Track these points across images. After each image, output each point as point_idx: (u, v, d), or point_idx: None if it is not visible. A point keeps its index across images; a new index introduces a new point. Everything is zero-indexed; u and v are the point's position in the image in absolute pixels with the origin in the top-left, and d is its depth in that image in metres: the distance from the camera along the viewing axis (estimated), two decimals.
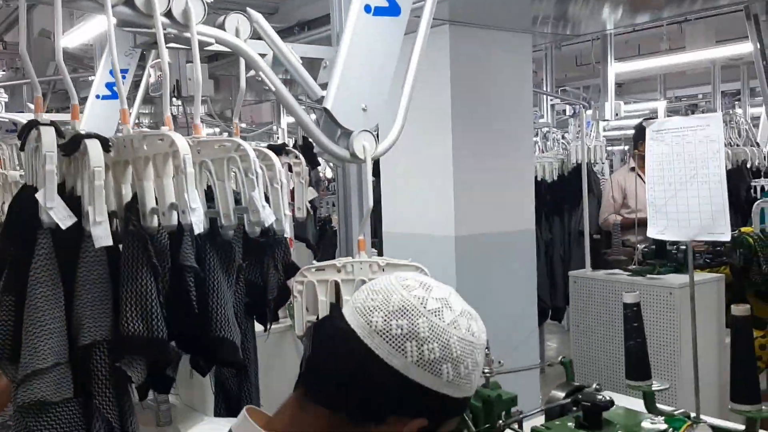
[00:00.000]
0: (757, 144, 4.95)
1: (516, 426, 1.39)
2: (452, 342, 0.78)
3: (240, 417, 0.87)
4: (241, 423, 0.85)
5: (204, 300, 1.37)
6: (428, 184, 3.23)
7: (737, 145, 4.82)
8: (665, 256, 3.37)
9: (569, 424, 1.33)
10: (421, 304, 0.80)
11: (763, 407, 1.43)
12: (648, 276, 3.31)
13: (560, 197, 4.46)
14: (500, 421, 1.36)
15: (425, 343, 0.77)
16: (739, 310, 1.45)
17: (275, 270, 1.61)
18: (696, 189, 1.48)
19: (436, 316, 0.79)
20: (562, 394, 1.46)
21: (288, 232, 1.44)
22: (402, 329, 0.78)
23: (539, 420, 1.39)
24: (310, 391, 0.82)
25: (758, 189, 4.54)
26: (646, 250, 3.50)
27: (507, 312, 3.19)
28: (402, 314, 0.79)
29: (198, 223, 1.22)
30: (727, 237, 1.55)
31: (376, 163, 1.61)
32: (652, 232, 1.67)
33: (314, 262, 1.59)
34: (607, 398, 1.31)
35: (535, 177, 4.06)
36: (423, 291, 0.81)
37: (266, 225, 1.31)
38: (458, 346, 0.79)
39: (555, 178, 4.44)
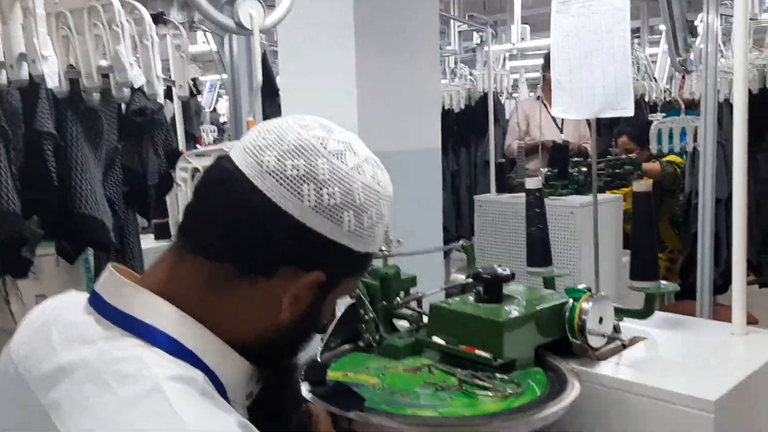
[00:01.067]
0: (655, 79, 5.09)
1: (415, 304, 1.34)
2: (355, 188, 0.72)
3: (104, 274, 0.77)
4: (106, 279, 0.76)
5: (66, 173, 1.21)
6: (330, 101, 3.09)
7: (636, 80, 4.94)
8: (567, 178, 3.43)
9: (470, 298, 1.28)
10: (321, 144, 0.72)
11: (662, 284, 1.44)
12: (550, 197, 3.35)
13: (467, 127, 4.45)
14: (398, 299, 1.31)
15: (324, 186, 0.70)
16: (641, 185, 1.44)
17: (156, 155, 1.47)
18: (600, 62, 1.45)
19: (337, 158, 0.72)
20: (462, 276, 1.41)
21: (174, 108, 1.30)
22: (298, 170, 0.70)
23: (436, 298, 1.35)
24: (189, 240, 0.74)
25: None
26: (548, 173, 3.55)
27: (412, 236, 3.14)
28: (298, 154, 0.71)
29: (51, 74, 1.06)
30: (630, 112, 1.53)
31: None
32: (557, 111, 1.64)
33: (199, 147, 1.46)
34: (509, 272, 1.25)
35: (443, 107, 4.01)
36: (323, 132, 0.74)
37: (135, 85, 1.16)
38: (362, 193, 0.73)
39: (462, 107, 4.41)
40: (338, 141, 0.74)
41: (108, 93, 1.29)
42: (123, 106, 1.45)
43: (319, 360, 1.20)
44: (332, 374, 1.16)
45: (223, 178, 0.72)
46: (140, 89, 1.39)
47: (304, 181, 0.70)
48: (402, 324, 1.34)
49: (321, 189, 0.70)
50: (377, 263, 1.32)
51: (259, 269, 0.72)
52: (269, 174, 0.70)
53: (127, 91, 1.21)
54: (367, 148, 0.78)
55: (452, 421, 0.99)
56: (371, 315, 1.28)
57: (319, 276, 0.73)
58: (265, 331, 0.74)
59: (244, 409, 0.78)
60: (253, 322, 0.74)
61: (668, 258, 3.74)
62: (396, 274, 1.30)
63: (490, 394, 1.07)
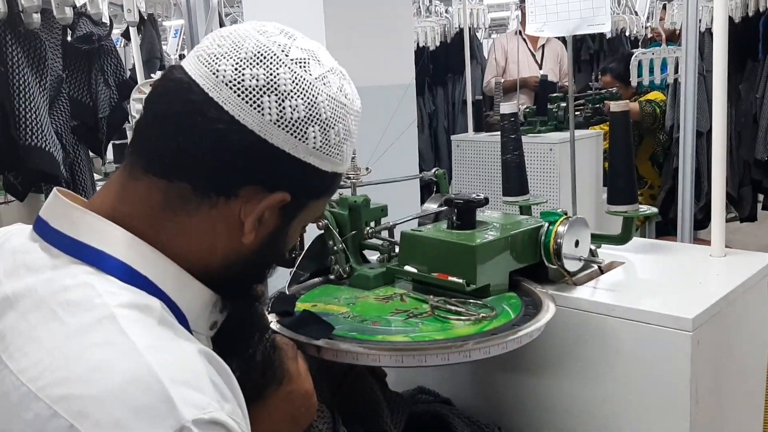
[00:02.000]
0: (636, 13, 5.03)
1: (386, 234, 1.31)
2: (320, 100, 0.68)
3: (49, 198, 0.72)
4: (51, 203, 0.71)
5: (8, 102, 1.14)
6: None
7: (616, 14, 4.88)
8: (546, 114, 3.39)
9: (442, 226, 1.25)
10: (283, 52, 0.68)
11: (640, 207, 1.42)
12: (529, 135, 3.32)
13: (443, 66, 4.37)
14: (368, 229, 1.27)
15: (287, 99, 0.66)
16: (617, 105, 1.40)
17: (105, 86, 1.39)
18: None
19: (301, 67, 0.68)
20: (435, 205, 1.38)
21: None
22: (257, 80, 0.66)
23: (408, 226, 1.31)
24: (141, 158, 0.69)
25: None
26: (527, 110, 3.50)
27: (387, 173, 3.09)
28: (258, 62, 0.67)
29: None
30: (607, 28, 1.49)
31: None
32: (531, 29, 1.59)
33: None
34: (482, 197, 1.22)
35: (417, 43, 3.93)
36: (285, 38, 0.70)
37: (77, 2, 1.08)
38: (327, 106, 0.69)
39: (437, 44, 4.32)
40: (301, 49, 0.69)
41: (49, 14, 1.20)
42: (69, 33, 1.37)
43: (287, 292, 1.18)
44: (301, 305, 1.14)
45: (176, 89, 0.68)
46: (85, 15, 1.32)
47: (264, 93, 0.66)
48: (373, 255, 1.32)
49: (283, 101, 0.66)
50: (346, 192, 1.28)
51: (219, 189, 0.68)
52: (226, 85, 0.66)
53: (69, 11, 1.14)
54: (332, 58, 0.73)
55: (424, 345, 0.97)
56: (340, 245, 1.25)
57: (283, 197, 0.70)
58: (228, 256, 0.72)
59: (207, 340, 0.75)
60: (214, 248, 0.71)
61: (649, 194, 3.75)
62: (365, 203, 1.26)
63: (462, 318, 1.05)
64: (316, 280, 1.27)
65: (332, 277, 1.26)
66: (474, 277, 1.12)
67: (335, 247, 1.24)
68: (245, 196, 0.68)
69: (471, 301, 1.11)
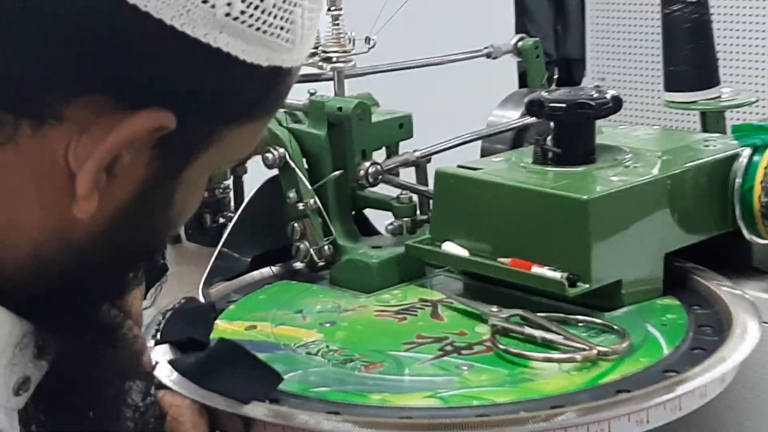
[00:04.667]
0: None
1: (408, 176, 1.22)
2: None
3: None
4: None
5: None
6: None
7: None
8: None
9: (524, 160, 1.12)
10: None
11: None
12: None
13: None
14: (368, 166, 1.12)
15: None
16: None
17: None
18: None
19: None
20: (515, 113, 1.23)
21: None
22: None
23: (456, 159, 1.17)
24: None
25: None
26: None
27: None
28: None
29: None
30: None
31: None
32: None
33: None
34: (611, 94, 1.09)
35: None
36: None
37: None
38: None
39: None
40: None
41: None
42: None
43: (200, 298, 1.09)
44: (227, 327, 1.06)
45: None
46: None
47: None
48: (381, 219, 1.23)
49: None
50: (324, 91, 1.18)
51: (22, 104, 0.63)
52: None
53: None
54: None
55: (470, 417, 0.85)
56: (312, 202, 1.13)
57: (159, 121, 0.63)
58: (45, 245, 0.68)
59: (9, 417, 0.71)
60: (16, 227, 0.67)
61: None
62: (362, 112, 1.13)
63: (555, 357, 0.93)
64: (265, 271, 1.18)
65: (297, 265, 1.18)
66: (586, 267, 1.00)
67: (300, 206, 1.13)
68: (77, 120, 0.63)
69: (580, 318, 1.00)
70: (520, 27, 3.93)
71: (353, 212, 1.21)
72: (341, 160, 1.15)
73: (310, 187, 1.13)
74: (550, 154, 1.10)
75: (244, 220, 1.15)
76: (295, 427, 0.86)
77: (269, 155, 1.12)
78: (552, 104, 1.09)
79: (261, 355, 0.97)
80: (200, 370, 0.94)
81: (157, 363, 0.96)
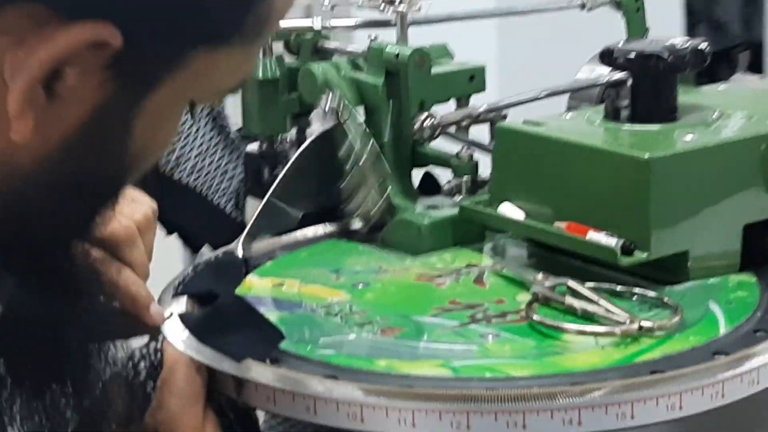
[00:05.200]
0: None
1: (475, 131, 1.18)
2: None
3: None
4: None
5: None
6: None
7: None
8: None
9: (597, 118, 1.09)
10: None
11: None
12: None
13: None
14: (428, 117, 1.10)
15: None
16: None
17: None
18: None
19: None
20: (602, 68, 1.17)
21: None
22: None
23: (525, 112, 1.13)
24: None
25: None
26: None
27: None
28: None
29: None
30: None
31: None
32: None
33: None
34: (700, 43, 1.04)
35: None
36: None
37: None
38: None
39: None
40: None
41: None
42: None
43: (238, 251, 1.08)
44: (255, 283, 1.05)
45: None
46: None
47: None
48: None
49: None
50: (384, 36, 1.15)
51: None
52: None
53: None
54: None
55: (479, 388, 0.80)
56: (367, 156, 1.09)
57: (100, 35, 0.60)
58: None
59: None
60: None
61: None
62: (423, 60, 1.10)
63: (588, 330, 0.88)
64: (318, 229, 1.16)
65: (355, 225, 1.15)
66: (644, 235, 0.95)
67: (355, 159, 1.10)
68: (11, 31, 0.61)
69: (634, 291, 0.95)
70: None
71: (415, 169, 1.17)
72: (399, 112, 1.12)
73: (366, 139, 1.10)
74: (623, 111, 1.06)
75: (296, 173, 1.12)
76: (285, 390, 0.83)
77: (325, 104, 1.10)
78: (623, 55, 1.03)
79: (277, 314, 0.97)
80: (203, 326, 0.94)
81: (171, 314, 0.95)
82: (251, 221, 1.10)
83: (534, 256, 1.05)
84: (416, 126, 1.09)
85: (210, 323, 0.93)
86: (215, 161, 1.29)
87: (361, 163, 1.10)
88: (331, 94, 1.10)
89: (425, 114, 1.10)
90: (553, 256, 1.02)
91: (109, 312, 0.88)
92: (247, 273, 1.05)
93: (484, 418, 0.77)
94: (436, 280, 1.01)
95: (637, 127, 1.03)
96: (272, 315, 0.94)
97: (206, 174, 1.29)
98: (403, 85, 1.11)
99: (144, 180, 1.07)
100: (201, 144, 1.28)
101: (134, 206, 0.94)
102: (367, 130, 1.10)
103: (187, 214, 1.29)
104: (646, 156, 0.93)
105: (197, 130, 1.28)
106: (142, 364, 0.86)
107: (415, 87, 1.10)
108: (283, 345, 0.87)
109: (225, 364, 0.85)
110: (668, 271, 0.96)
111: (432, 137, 1.11)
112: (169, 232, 1.30)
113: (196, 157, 1.27)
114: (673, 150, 0.96)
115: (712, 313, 0.90)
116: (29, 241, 0.70)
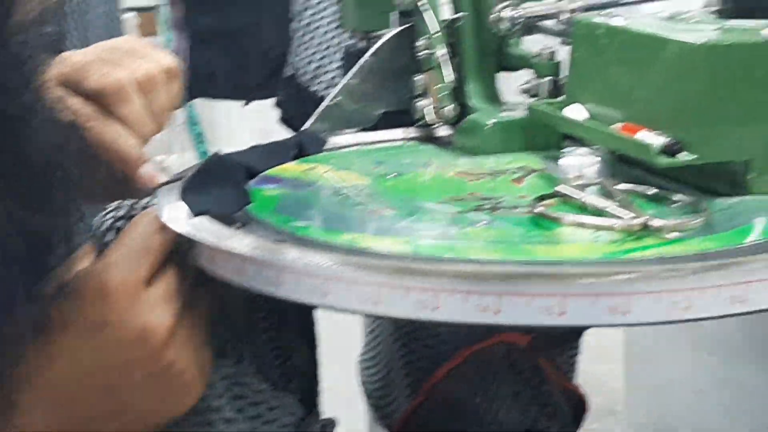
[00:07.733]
0: None
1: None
2: None
3: None
4: None
5: None
6: None
7: None
8: None
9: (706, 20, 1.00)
10: None
11: None
12: None
13: None
14: (501, 8, 1.04)
15: None
16: None
17: None
18: None
19: None
20: None
21: None
22: None
23: None
24: None
25: None
26: None
27: None
28: None
29: None
30: None
31: None
32: None
33: None
34: None
35: None
36: None
37: None
38: None
39: None
40: None
41: None
42: None
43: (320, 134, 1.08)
44: (290, 167, 1.01)
45: None
46: None
47: None
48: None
49: None
50: None
51: None
52: None
53: None
54: None
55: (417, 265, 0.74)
56: (442, 51, 1.03)
57: None
58: None
59: None
60: None
61: None
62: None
63: (590, 219, 0.81)
64: (396, 132, 1.11)
65: (440, 132, 1.10)
66: (693, 134, 0.85)
67: (428, 55, 1.05)
68: None
69: (675, 198, 0.86)
70: None
71: (495, 72, 1.08)
72: (479, 4, 1.03)
73: (440, 33, 1.02)
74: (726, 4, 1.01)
75: (374, 67, 1.07)
76: (223, 250, 0.76)
77: None
78: None
79: (279, 189, 0.92)
80: (185, 182, 0.90)
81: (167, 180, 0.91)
82: (317, 112, 1.06)
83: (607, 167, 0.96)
84: (492, 17, 1.02)
85: (191, 181, 0.88)
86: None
87: (432, 59, 1.05)
88: None
89: (504, 3, 1.02)
90: (624, 168, 0.93)
91: (94, 172, 0.84)
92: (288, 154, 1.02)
93: (454, 297, 0.69)
94: (473, 176, 0.94)
95: (732, 22, 0.92)
96: (273, 190, 0.91)
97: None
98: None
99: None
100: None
101: (139, 62, 0.88)
102: (446, 24, 1.04)
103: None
104: (700, 42, 0.83)
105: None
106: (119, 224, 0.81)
107: None
108: (260, 215, 0.83)
109: (178, 224, 0.80)
110: (728, 183, 0.86)
111: (513, 33, 1.04)
112: None
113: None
114: (741, 40, 0.85)
115: (750, 226, 0.79)
116: None
